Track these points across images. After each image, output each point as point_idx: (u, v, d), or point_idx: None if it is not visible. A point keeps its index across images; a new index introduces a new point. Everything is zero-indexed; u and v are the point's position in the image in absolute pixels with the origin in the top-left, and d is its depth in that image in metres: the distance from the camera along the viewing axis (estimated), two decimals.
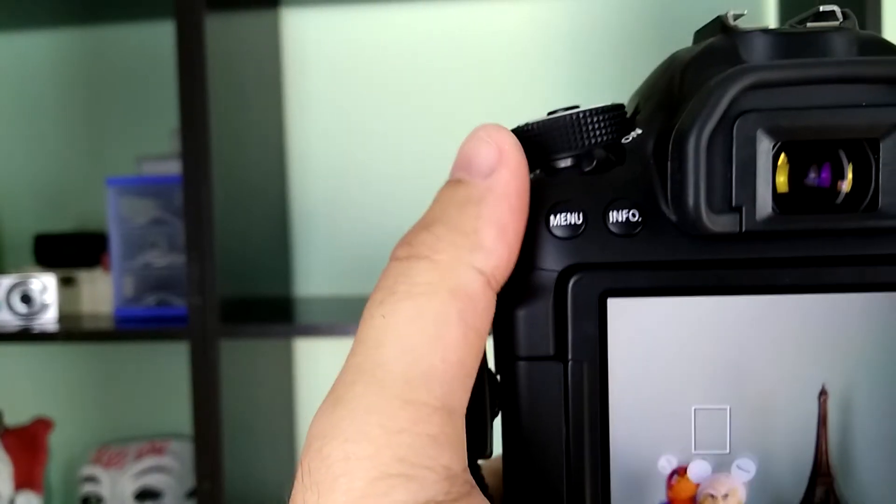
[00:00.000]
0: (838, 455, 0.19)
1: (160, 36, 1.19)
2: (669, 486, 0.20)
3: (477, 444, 0.20)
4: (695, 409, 0.19)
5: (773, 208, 0.18)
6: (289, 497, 0.19)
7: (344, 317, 1.01)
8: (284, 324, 1.01)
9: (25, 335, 1.02)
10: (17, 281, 1.04)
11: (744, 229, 0.18)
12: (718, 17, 0.20)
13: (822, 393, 0.19)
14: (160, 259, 1.08)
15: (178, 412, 1.21)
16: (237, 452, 0.97)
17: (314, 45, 1.21)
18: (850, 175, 0.19)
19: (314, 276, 1.22)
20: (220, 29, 0.95)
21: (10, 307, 1.04)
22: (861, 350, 0.19)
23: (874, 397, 0.19)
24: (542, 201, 0.20)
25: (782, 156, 0.19)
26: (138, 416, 1.26)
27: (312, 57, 1.21)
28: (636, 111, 0.22)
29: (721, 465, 0.20)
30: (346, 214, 1.21)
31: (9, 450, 1.12)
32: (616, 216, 0.19)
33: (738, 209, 0.18)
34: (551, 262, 0.20)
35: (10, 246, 1.29)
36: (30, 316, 1.04)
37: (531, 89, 1.16)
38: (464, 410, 0.18)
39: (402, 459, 0.17)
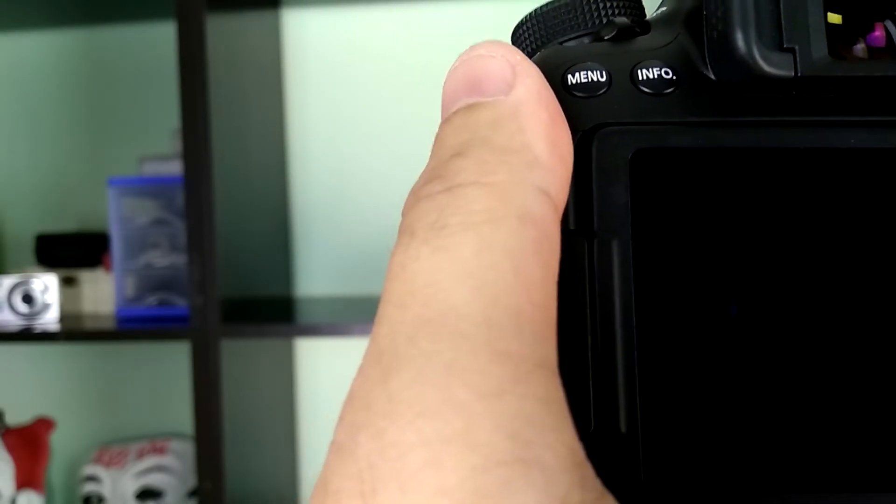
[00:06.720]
0: None
1: (161, 36, 1.19)
2: None
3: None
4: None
5: (827, 49, 0.16)
6: None
7: (345, 316, 1.01)
8: (285, 324, 1.01)
9: (27, 335, 1.02)
10: (18, 281, 1.04)
11: (799, 73, 0.16)
12: None
13: None
14: (161, 259, 1.08)
15: (180, 412, 1.21)
16: (238, 452, 0.98)
17: (315, 45, 1.21)
18: None
19: (315, 275, 1.22)
20: (220, 30, 0.95)
21: (12, 307, 1.04)
22: None
23: None
24: (556, 65, 0.17)
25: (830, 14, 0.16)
26: (139, 416, 1.27)
27: (313, 57, 1.21)
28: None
29: None
30: (346, 214, 1.21)
31: (10, 449, 1.12)
32: (646, 73, 0.17)
33: (790, 50, 0.16)
34: (569, 123, 0.16)
35: (12, 246, 1.29)
36: (31, 316, 1.04)
37: None
38: (557, 371, 0.13)
39: (513, 435, 0.12)
